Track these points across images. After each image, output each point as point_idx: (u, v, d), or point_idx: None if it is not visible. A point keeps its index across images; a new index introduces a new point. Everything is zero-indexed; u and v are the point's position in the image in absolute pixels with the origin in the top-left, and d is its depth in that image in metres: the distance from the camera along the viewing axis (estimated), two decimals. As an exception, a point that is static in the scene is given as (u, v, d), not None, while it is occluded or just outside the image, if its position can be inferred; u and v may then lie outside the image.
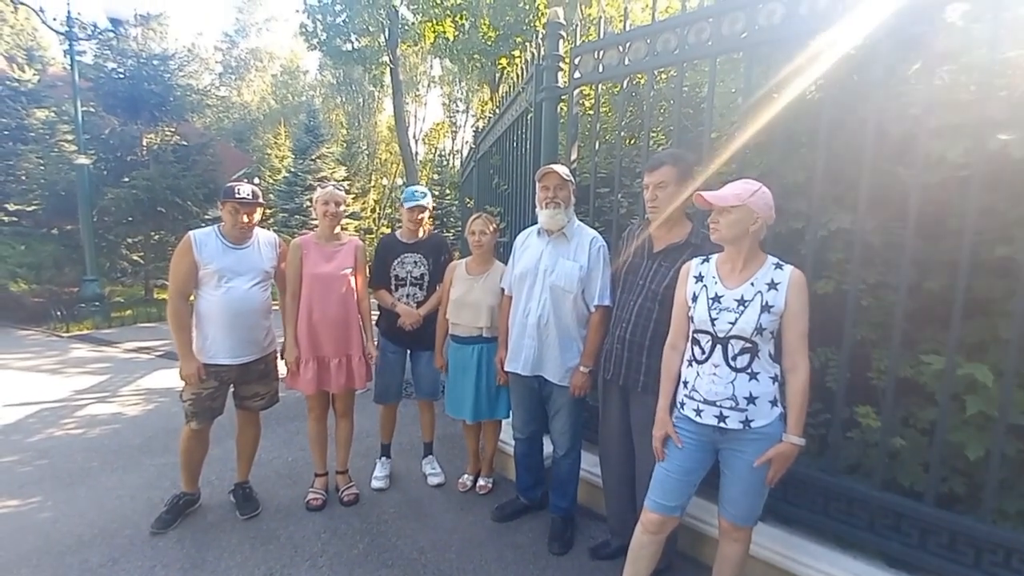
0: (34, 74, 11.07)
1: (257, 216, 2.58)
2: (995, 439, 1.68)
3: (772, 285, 1.63)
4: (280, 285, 2.74)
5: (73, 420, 4.14)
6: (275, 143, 21.23)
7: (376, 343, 2.94)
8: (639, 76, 3.04)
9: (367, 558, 2.39)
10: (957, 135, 1.76)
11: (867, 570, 1.89)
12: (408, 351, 3.01)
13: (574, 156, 2.95)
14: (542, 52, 2.97)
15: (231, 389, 2.64)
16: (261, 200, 2.56)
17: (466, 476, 3.06)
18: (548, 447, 2.66)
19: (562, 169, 2.31)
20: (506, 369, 2.53)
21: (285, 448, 3.54)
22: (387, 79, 16.99)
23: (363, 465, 3.17)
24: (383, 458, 3.13)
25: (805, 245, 2.06)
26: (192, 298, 2.53)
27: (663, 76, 3.64)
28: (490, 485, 2.99)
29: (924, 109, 1.77)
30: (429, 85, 27.54)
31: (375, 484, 3.01)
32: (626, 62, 2.55)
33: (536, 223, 2.47)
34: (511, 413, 2.69)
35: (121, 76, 9.99)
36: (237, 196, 2.46)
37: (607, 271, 2.33)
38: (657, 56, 2.43)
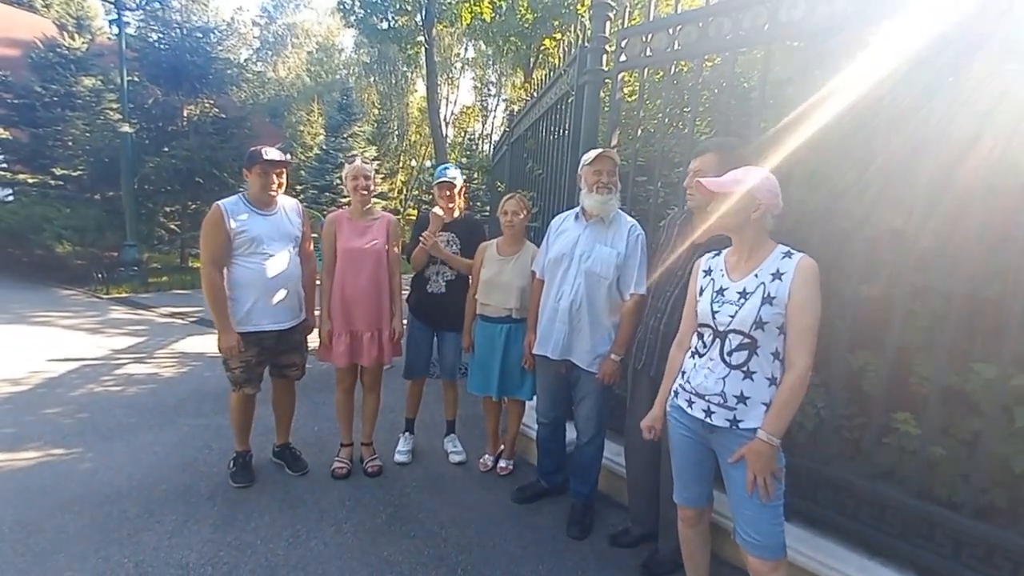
0: (83, 43, 11.35)
1: (284, 178, 2.58)
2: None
3: (777, 275, 1.52)
4: (305, 252, 2.73)
5: (112, 378, 4.32)
6: (308, 120, 21.39)
7: (404, 319, 2.97)
8: (683, 63, 2.96)
9: (390, 527, 2.45)
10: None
11: (896, 578, 1.85)
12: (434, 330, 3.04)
13: (614, 142, 2.90)
14: (587, 33, 2.92)
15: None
16: (288, 159, 2.56)
17: (487, 456, 3.10)
18: (571, 433, 2.66)
19: (616, 155, 2.29)
20: (535, 352, 2.53)
21: (312, 418, 3.63)
22: (421, 59, 16.94)
23: (386, 440, 3.23)
24: (406, 433, 3.19)
25: (853, 246, 1.99)
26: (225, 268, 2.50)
27: (707, 64, 3.53)
28: (511, 467, 3.02)
29: (991, 108, 1.68)
30: (462, 68, 27.36)
31: (398, 458, 3.07)
32: (676, 46, 2.47)
33: (570, 208, 2.45)
34: (535, 397, 2.70)
35: (165, 47, 10.20)
36: (266, 158, 2.45)
37: (644, 260, 2.30)
38: (709, 41, 2.35)
